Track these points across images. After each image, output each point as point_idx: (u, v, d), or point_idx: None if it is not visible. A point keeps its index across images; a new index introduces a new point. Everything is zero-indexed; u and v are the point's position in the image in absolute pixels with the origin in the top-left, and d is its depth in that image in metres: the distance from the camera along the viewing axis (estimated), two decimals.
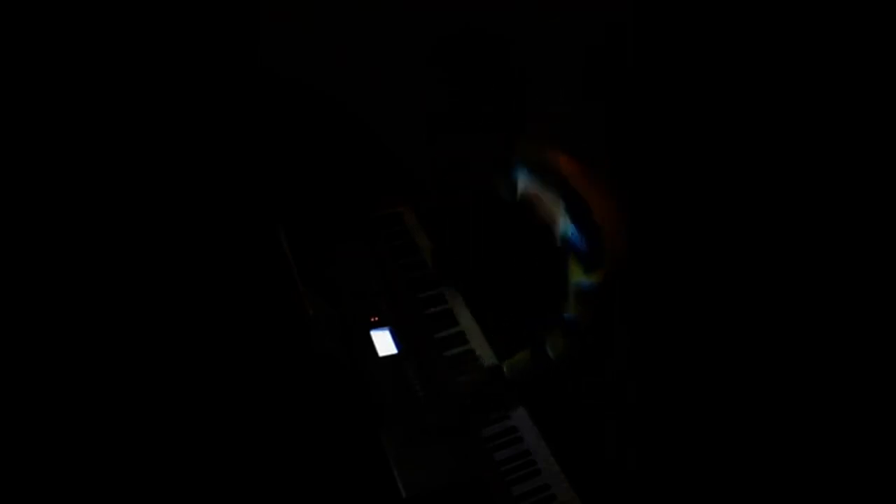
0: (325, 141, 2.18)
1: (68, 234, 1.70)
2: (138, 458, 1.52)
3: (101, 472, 1.50)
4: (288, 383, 1.57)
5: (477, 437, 1.58)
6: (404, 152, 2.29)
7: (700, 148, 2.15)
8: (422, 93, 2.18)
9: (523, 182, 1.67)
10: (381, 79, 2.18)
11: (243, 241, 1.79)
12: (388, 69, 2.16)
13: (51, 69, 1.69)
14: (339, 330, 1.69)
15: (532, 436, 1.60)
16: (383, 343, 1.69)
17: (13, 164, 1.66)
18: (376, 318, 1.73)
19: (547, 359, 1.78)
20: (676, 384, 1.94)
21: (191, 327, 1.65)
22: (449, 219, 2.07)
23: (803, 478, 1.66)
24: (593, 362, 1.85)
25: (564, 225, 1.61)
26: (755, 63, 2.01)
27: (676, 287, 2.07)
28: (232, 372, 1.59)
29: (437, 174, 2.30)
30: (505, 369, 1.81)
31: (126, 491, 1.49)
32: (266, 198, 1.93)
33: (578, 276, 1.64)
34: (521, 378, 1.80)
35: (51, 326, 1.61)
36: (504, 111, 1.67)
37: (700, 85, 2.17)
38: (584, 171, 1.61)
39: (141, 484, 1.50)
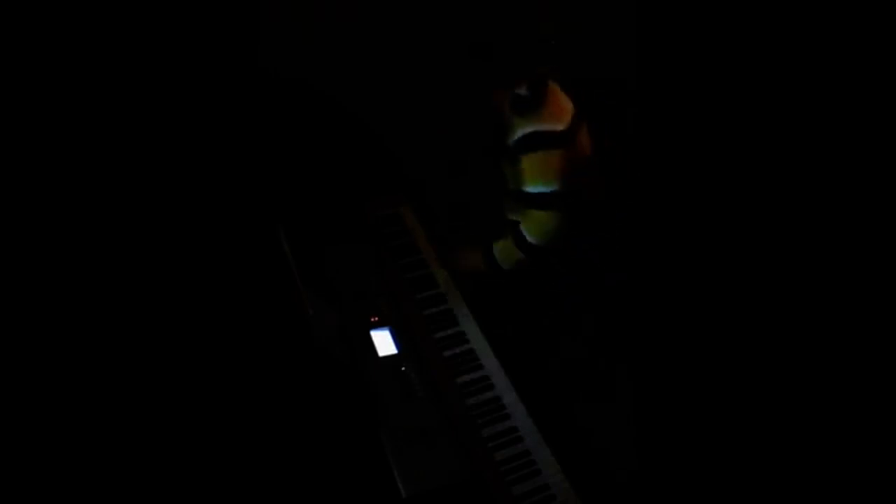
0: (325, 141, 2.18)
1: (67, 233, 1.70)
2: (137, 458, 1.52)
3: (100, 471, 1.50)
4: (288, 383, 1.57)
5: (477, 437, 1.58)
6: (404, 152, 2.29)
7: (699, 148, 2.15)
8: (422, 93, 2.19)
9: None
10: (381, 79, 2.18)
11: (243, 241, 1.79)
12: (388, 69, 2.17)
13: (50, 69, 1.69)
14: (339, 330, 1.69)
15: (532, 436, 1.60)
16: (383, 343, 1.69)
17: (12, 164, 1.66)
18: (376, 318, 1.73)
19: (526, 242, 1.91)
20: (676, 384, 1.94)
21: (191, 327, 1.65)
22: None
23: (804, 479, 1.66)
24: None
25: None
26: (755, 64, 2.01)
27: (675, 287, 2.07)
28: (232, 372, 1.59)
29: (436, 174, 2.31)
30: (496, 255, 1.96)
31: (125, 491, 1.49)
32: (266, 198, 1.93)
33: (522, 126, 1.78)
34: (512, 265, 1.96)
35: (50, 326, 1.61)
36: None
37: (700, 85, 2.17)
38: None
39: (140, 484, 1.50)
